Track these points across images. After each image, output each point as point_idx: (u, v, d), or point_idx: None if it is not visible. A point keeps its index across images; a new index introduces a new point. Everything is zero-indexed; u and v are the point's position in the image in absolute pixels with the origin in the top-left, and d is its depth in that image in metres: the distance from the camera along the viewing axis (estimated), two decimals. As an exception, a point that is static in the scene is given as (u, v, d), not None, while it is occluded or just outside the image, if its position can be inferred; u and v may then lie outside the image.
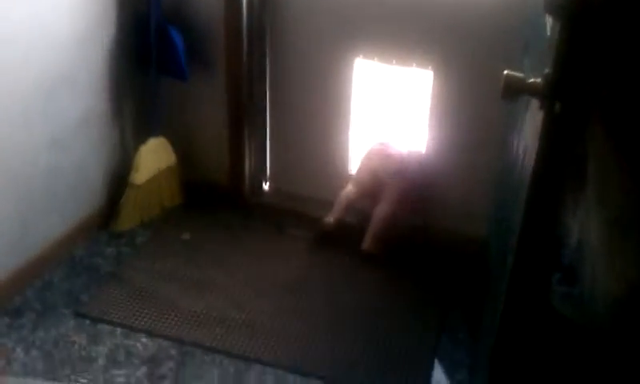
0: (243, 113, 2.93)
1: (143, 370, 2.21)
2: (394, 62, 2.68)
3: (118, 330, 2.36)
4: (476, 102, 2.60)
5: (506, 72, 1.25)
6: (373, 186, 2.80)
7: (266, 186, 3.16)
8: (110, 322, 2.39)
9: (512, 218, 1.59)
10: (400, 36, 2.65)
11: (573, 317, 1.32)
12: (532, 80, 1.23)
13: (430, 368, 2.26)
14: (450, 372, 2.25)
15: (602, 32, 1.12)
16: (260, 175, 3.13)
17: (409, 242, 2.80)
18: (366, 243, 2.73)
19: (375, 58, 2.71)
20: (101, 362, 2.23)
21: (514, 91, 1.24)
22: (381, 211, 2.73)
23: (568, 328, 1.33)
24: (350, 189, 2.85)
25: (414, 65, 2.65)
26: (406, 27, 2.62)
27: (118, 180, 2.92)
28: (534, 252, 1.32)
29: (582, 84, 1.16)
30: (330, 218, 2.82)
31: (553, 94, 1.16)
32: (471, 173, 2.71)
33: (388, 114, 2.80)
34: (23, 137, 2.40)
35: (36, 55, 2.39)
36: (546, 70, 1.21)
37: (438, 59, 2.61)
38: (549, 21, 1.36)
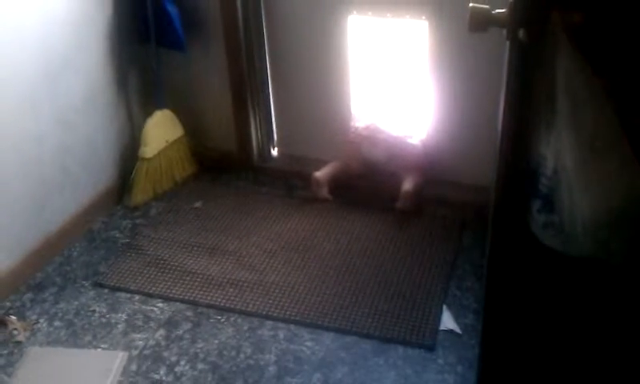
0: (245, 80, 2.97)
1: (161, 332, 2.29)
2: (387, 15, 2.68)
3: (136, 297, 2.45)
4: (474, 49, 2.59)
5: (471, 5, 1.27)
6: (360, 171, 2.91)
7: (274, 152, 3.21)
8: (127, 290, 2.48)
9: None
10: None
11: (554, 245, 1.34)
12: (497, 11, 1.25)
13: (439, 313, 2.30)
14: (457, 316, 2.29)
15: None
16: (267, 141, 3.18)
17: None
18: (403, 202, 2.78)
19: (369, 13, 2.72)
20: (120, 327, 2.32)
21: (480, 23, 1.25)
22: (408, 182, 2.80)
23: (552, 257, 1.36)
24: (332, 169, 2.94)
25: (408, 16, 2.66)
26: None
27: (129, 155, 2.99)
28: (513, 183, 1.35)
29: (547, 10, 1.18)
30: (319, 173, 2.90)
31: (516, 21, 1.18)
32: (474, 120, 2.71)
33: (387, 68, 2.81)
34: (31, 119, 2.48)
35: (38, 40, 2.46)
36: None
37: (432, 8, 2.61)
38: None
